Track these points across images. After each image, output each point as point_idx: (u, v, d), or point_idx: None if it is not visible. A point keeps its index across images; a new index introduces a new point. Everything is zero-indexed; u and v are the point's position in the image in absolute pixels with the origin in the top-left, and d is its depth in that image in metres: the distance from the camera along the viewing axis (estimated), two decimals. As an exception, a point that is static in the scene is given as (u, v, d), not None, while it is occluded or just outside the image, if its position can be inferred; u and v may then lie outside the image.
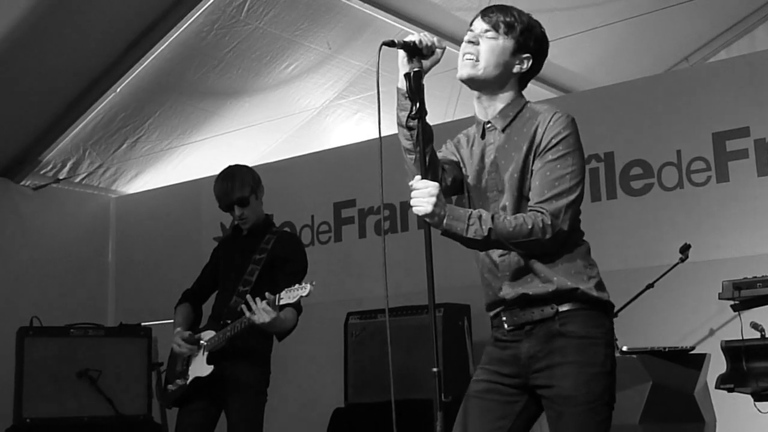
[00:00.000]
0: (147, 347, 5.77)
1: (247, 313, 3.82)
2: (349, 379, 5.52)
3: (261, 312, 3.78)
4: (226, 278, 4.21)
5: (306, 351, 6.16)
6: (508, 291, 2.57)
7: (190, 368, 4.12)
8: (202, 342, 4.10)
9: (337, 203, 6.70)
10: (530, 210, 2.51)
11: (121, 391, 5.63)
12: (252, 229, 4.22)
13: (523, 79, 2.65)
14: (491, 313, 2.66)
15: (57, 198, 7.52)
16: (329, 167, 6.80)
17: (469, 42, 2.59)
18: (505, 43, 2.58)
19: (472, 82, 2.61)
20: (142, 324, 5.96)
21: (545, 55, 2.67)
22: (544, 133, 2.53)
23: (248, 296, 3.84)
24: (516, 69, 2.60)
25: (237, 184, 4.10)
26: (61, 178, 7.34)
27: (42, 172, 7.27)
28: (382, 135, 2.52)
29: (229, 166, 4.23)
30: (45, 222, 7.52)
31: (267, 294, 3.79)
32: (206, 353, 4.06)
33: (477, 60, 2.58)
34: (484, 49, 2.58)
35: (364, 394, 5.42)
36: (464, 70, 2.59)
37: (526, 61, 2.61)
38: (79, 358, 5.62)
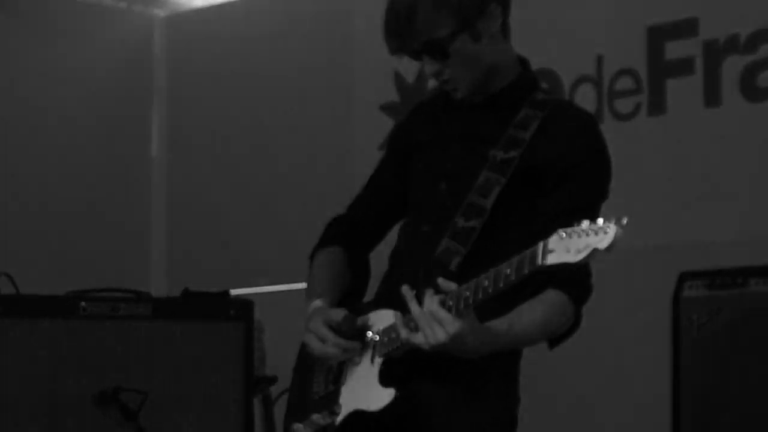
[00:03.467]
0: (243, 341, 6.00)
1: (401, 330, 3.99)
2: (682, 407, 5.78)
3: (429, 321, 3.90)
4: (425, 199, 4.40)
5: (589, 351, 6.22)
6: None
7: (343, 389, 4.31)
8: (370, 335, 4.25)
9: (653, 28, 7.13)
10: None
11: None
12: (487, 96, 4.35)
13: None
14: None
15: (47, 20, 7.94)
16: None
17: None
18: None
19: None
20: (232, 292, 6.20)
21: None
22: None
23: (405, 289, 3.99)
24: None
25: (421, 7, 4.20)
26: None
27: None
28: None
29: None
30: (24, 68, 7.92)
31: (441, 282, 3.91)
32: (380, 360, 4.21)
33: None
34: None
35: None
36: None
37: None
38: (98, 362, 5.87)
